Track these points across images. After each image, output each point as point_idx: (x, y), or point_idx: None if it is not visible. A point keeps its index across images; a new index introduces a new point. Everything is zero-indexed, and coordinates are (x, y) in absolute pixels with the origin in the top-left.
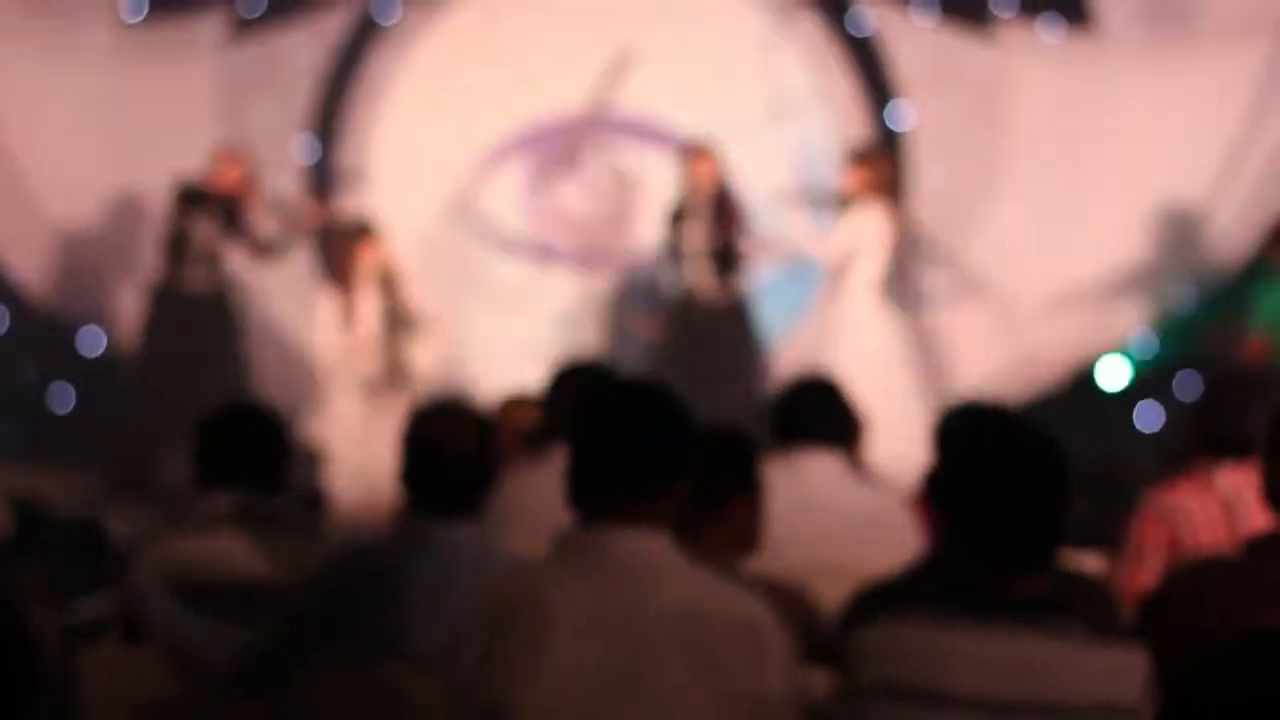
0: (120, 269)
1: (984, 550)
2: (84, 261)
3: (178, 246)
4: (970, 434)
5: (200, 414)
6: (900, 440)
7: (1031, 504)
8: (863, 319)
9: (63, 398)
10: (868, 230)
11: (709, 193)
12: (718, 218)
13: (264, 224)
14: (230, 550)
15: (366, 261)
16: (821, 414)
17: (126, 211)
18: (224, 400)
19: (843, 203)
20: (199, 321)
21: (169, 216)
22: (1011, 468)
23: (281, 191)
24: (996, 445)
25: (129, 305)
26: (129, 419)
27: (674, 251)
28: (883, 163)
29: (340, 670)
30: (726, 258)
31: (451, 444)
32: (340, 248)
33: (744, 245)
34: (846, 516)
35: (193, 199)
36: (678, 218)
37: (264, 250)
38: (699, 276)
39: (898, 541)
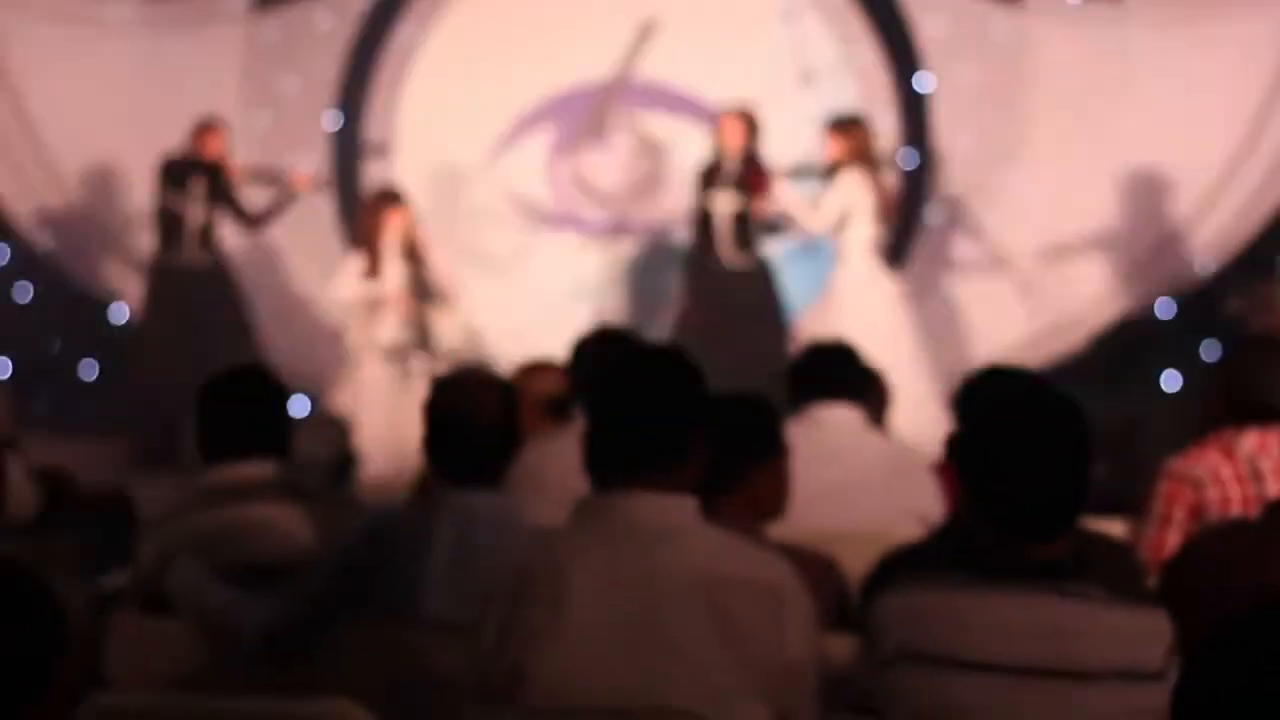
0: (144, 242)
1: (1005, 516)
2: (108, 234)
3: (170, 222)
4: (992, 399)
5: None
6: (908, 405)
7: (1053, 470)
8: (862, 284)
9: (90, 368)
10: (852, 196)
11: (738, 155)
12: (746, 181)
13: (249, 193)
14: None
15: (392, 229)
16: (838, 372)
17: (151, 184)
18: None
19: (825, 172)
20: (200, 295)
21: (158, 193)
22: (1033, 433)
23: (263, 163)
24: (1019, 411)
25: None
26: (143, 397)
27: (701, 214)
28: (861, 131)
29: (364, 637)
30: (752, 221)
31: (473, 412)
32: (366, 215)
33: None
34: (866, 465)
35: (179, 173)
36: (707, 180)
37: (253, 220)
38: (724, 239)
39: (918, 490)
